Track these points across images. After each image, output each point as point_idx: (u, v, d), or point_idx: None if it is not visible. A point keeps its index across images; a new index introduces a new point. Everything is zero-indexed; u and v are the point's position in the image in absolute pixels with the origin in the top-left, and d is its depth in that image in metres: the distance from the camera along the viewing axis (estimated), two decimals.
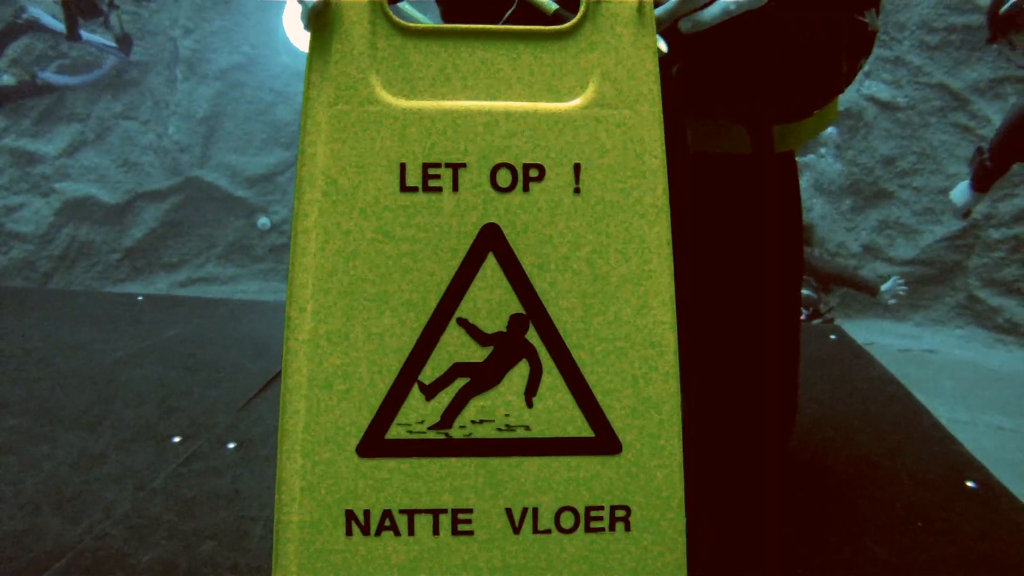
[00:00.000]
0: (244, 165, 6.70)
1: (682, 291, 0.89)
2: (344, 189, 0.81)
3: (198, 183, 6.67)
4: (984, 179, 2.95)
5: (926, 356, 5.71)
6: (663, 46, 0.87)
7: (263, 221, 6.69)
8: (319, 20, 0.82)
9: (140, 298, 3.18)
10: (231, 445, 1.75)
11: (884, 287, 4.71)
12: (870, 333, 5.73)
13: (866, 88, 6.17)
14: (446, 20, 1.29)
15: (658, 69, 0.83)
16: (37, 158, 6.52)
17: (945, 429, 1.90)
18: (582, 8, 0.83)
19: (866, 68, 6.16)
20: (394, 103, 0.82)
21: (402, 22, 0.83)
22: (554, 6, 1.01)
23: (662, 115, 0.83)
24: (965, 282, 6.02)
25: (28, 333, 2.59)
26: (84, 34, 4.77)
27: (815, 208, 6.17)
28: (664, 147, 0.83)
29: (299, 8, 0.84)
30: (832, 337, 2.64)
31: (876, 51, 6.07)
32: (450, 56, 0.83)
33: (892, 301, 4.70)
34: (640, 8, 0.82)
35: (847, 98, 6.12)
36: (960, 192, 3.08)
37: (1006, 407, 4.51)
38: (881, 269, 6.14)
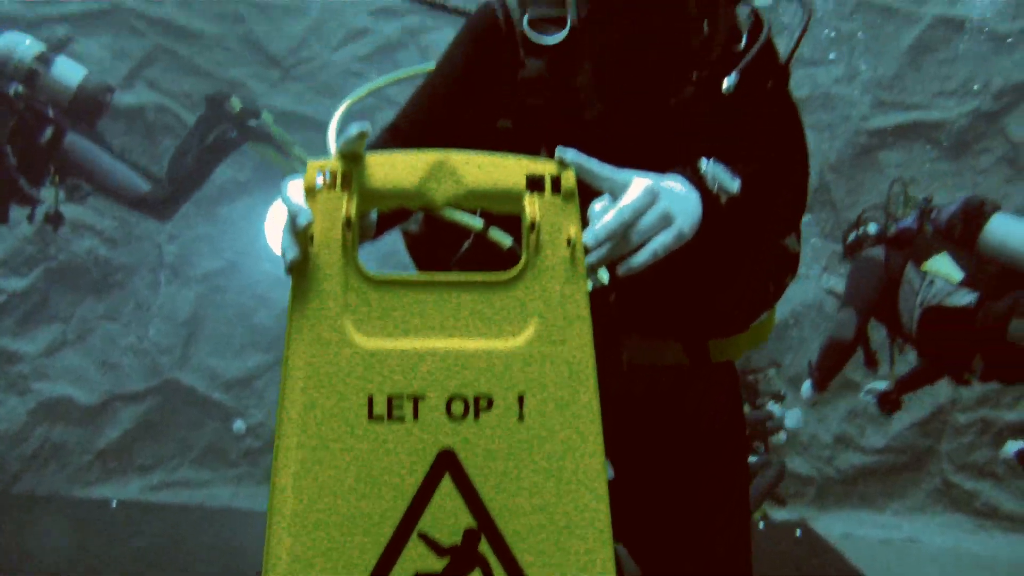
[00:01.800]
0: (223, 368, 6.77)
1: (623, 495, 0.98)
2: (319, 418, 0.94)
3: (175, 385, 6.72)
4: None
5: (908, 546, 5.67)
6: (606, 278, 1.01)
7: (238, 425, 6.67)
8: (299, 271, 0.96)
9: (114, 504, 3.19)
10: None
11: (788, 421, 4.74)
12: (847, 524, 5.70)
13: (824, 282, 6.48)
14: (410, 251, 1.45)
15: (589, 310, 0.97)
16: (17, 357, 6.57)
17: None
18: (523, 259, 0.98)
19: (823, 263, 6.50)
20: (363, 344, 0.95)
21: (371, 273, 0.97)
22: (508, 242, 1.16)
23: (593, 349, 0.96)
24: (939, 467, 6.08)
25: None
26: None
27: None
28: (596, 376, 0.96)
29: (280, 217, 0.97)
30: (798, 533, 2.69)
31: (831, 246, 6.42)
32: (411, 302, 0.97)
33: (792, 426, 4.71)
34: (572, 258, 0.97)
35: (812, 293, 6.41)
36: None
37: None
38: (853, 459, 6.19)
